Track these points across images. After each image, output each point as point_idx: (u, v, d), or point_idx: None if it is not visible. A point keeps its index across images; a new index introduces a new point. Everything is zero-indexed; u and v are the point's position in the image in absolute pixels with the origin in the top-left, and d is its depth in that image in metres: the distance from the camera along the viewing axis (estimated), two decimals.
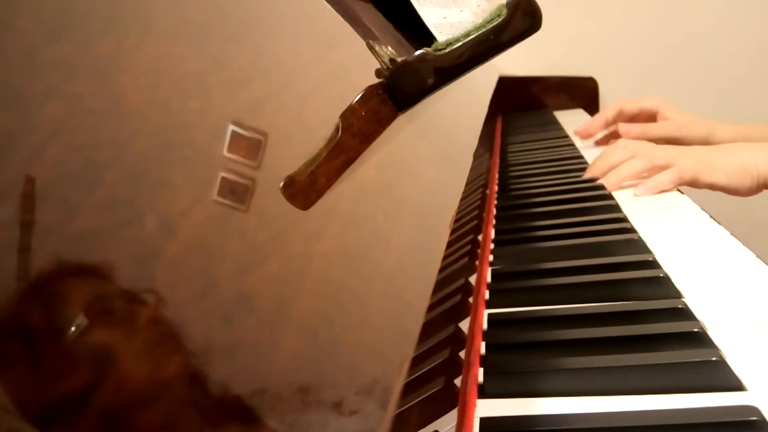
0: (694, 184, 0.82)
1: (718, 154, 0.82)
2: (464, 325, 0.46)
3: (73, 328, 0.17)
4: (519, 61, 1.59)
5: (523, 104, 1.64)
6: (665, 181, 0.81)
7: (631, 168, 0.84)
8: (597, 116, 1.17)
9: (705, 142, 1.03)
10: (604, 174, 0.85)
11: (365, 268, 0.29)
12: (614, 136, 1.13)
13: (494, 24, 0.34)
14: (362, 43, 0.39)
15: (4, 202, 0.17)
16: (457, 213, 0.47)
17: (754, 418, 0.34)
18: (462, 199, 0.51)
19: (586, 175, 0.87)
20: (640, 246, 0.60)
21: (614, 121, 1.14)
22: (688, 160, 0.82)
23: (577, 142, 1.16)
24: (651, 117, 1.12)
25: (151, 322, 0.18)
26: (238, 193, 0.23)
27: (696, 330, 0.43)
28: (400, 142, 0.38)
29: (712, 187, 0.81)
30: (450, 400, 0.37)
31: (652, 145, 0.89)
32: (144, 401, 0.17)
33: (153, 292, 0.19)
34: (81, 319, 0.17)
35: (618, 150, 0.88)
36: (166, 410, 0.17)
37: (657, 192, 0.80)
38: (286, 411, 0.19)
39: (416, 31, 0.52)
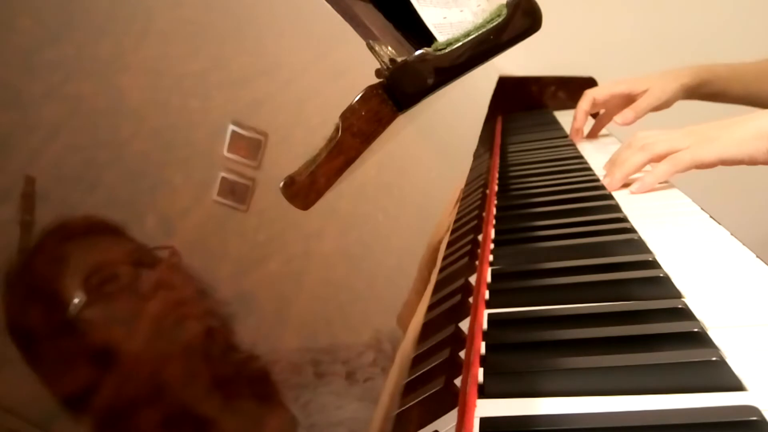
0: (700, 165, 0.77)
1: (730, 127, 0.77)
2: (464, 325, 0.46)
3: (76, 300, 0.17)
4: (519, 61, 1.59)
5: (523, 104, 1.64)
6: (658, 174, 0.78)
7: (633, 162, 0.81)
8: (577, 112, 1.20)
9: (677, 95, 1.12)
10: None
11: (365, 268, 0.29)
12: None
13: (494, 24, 0.34)
14: (362, 43, 0.39)
15: (4, 202, 0.17)
16: (457, 213, 0.47)
17: (754, 418, 0.34)
18: (462, 199, 0.51)
19: (607, 183, 0.84)
20: (640, 246, 0.60)
21: (593, 110, 1.20)
22: (687, 142, 0.78)
23: (577, 142, 1.16)
24: (626, 99, 1.16)
25: (162, 287, 0.18)
26: (238, 193, 0.23)
27: (696, 330, 0.43)
28: (400, 142, 0.38)
29: (723, 162, 0.75)
30: (450, 400, 0.37)
31: (657, 134, 0.83)
32: (154, 373, 0.17)
33: (168, 248, 0.19)
34: (83, 292, 0.17)
35: (623, 149, 0.86)
36: (177, 380, 0.17)
37: (650, 188, 0.79)
38: (288, 403, 0.19)
39: (416, 31, 0.52)
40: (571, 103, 1.63)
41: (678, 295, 0.50)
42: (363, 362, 0.22)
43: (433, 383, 0.36)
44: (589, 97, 1.19)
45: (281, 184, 0.25)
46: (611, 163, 0.87)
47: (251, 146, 0.25)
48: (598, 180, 0.87)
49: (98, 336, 0.17)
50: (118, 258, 0.18)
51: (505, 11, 0.35)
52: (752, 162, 0.76)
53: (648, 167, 0.82)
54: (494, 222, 0.75)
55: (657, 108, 1.13)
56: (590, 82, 1.63)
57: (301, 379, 0.20)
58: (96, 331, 0.17)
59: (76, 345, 0.16)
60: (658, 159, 0.80)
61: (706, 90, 1.17)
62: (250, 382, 0.19)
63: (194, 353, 0.18)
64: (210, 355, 0.18)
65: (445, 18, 0.56)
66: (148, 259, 0.19)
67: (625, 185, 0.83)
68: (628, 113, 1.12)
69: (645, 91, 1.13)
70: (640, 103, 1.12)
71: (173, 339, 0.18)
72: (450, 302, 0.46)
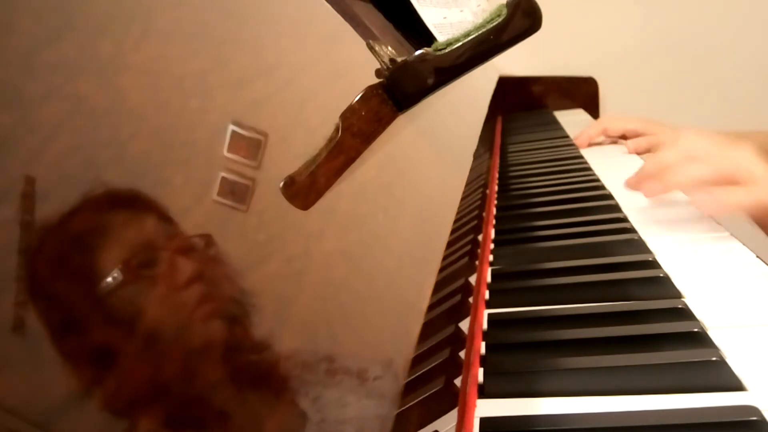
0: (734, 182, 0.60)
1: None
2: (464, 325, 0.46)
3: (111, 278, 0.17)
4: (519, 61, 1.59)
5: (523, 104, 1.64)
6: (738, 200, 0.59)
7: (691, 173, 0.64)
8: (583, 135, 1.14)
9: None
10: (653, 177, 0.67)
11: (365, 268, 0.29)
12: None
13: (494, 24, 0.34)
14: (362, 43, 0.39)
15: (4, 202, 0.17)
16: (457, 213, 0.47)
17: (754, 418, 0.34)
18: (462, 199, 0.51)
19: (648, 188, 0.69)
20: (640, 246, 0.60)
21: (599, 138, 1.13)
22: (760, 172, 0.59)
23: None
24: (635, 136, 1.09)
25: (195, 280, 0.18)
26: (238, 193, 0.23)
27: (696, 330, 0.43)
28: (400, 142, 0.38)
29: None
30: (450, 400, 0.37)
31: (714, 144, 0.66)
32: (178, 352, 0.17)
33: (206, 236, 0.19)
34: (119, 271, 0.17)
35: (669, 151, 0.68)
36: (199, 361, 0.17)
37: (724, 212, 0.61)
38: (306, 386, 0.20)
39: (416, 31, 0.52)
40: (571, 103, 1.64)
41: (678, 295, 0.50)
42: (373, 366, 0.22)
43: (433, 383, 0.36)
44: (600, 127, 1.12)
45: (281, 184, 0.25)
46: (656, 166, 0.69)
47: (251, 146, 0.25)
48: (598, 180, 0.87)
49: (125, 321, 0.17)
50: (158, 242, 0.18)
51: (505, 11, 0.35)
52: None
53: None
54: (494, 222, 0.75)
55: None
56: (590, 82, 1.64)
57: (313, 376, 0.20)
58: (125, 316, 0.17)
59: (102, 325, 0.16)
60: (723, 182, 0.63)
61: None
62: (264, 376, 0.19)
63: (217, 345, 0.18)
64: (231, 346, 0.18)
65: (445, 18, 0.56)
66: (185, 246, 0.19)
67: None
68: (642, 141, 1.01)
69: (662, 143, 0.98)
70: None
71: (200, 331, 0.18)
72: (450, 302, 0.46)
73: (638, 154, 1.03)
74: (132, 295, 0.17)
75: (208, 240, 0.19)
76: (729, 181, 0.62)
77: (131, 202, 0.18)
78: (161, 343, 0.17)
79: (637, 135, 1.08)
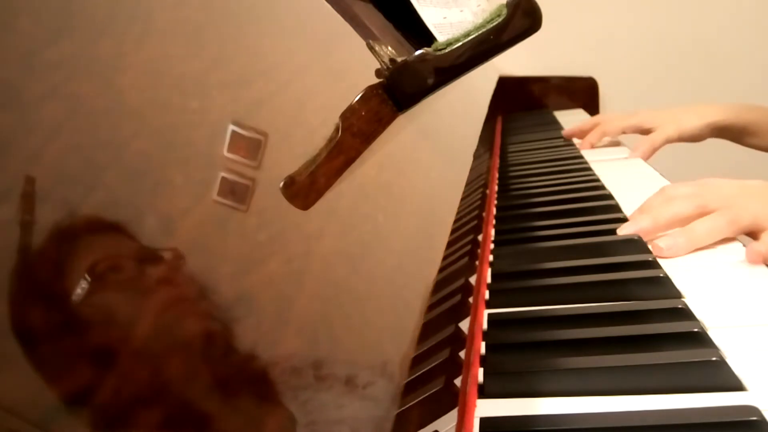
0: (755, 232, 0.60)
1: None
2: (464, 325, 0.46)
3: (80, 288, 0.17)
4: (519, 61, 1.59)
5: (523, 104, 1.64)
6: (710, 228, 0.59)
7: (674, 211, 0.63)
8: (584, 142, 1.14)
9: (700, 131, 1.04)
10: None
11: (365, 268, 0.29)
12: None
13: (494, 24, 0.34)
14: (362, 43, 0.39)
15: (4, 202, 0.17)
16: (457, 213, 0.47)
17: (754, 418, 0.34)
18: (462, 199, 0.51)
19: (632, 231, 0.63)
20: (640, 246, 0.60)
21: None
22: (753, 206, 0.60)
23: (577, 142, 1.16)
24: (637, 131, 1.10)
25: (165, 283, 0.18)
26: (238, 193, 0.23)
27: (696, 330, 0.43)
28: (400, 142, 0.38)
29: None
30: (450, 400, 0.37)
31: (706, 187, 0.65)
32: (156, 365, 0.17)
33: (172, 249, 0.19)
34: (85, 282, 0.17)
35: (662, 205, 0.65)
36: (179, 373, 0.17)
37: (698, 245, 0.60)
38: (288, 402, 0.20)
39: (416, 31, 0.52)
40: (571, 103, 1.64)
41: (678, 295, 0.50)
42: (364, 370, 0.22)
43: (433, 383, 0.36)
44: (599, 133, 1.13)
45: (281, 184, 0.25)
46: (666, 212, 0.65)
47: (251, 146, 0.25)
48: (598, 180, 0.87)
49: (100, 328, 0.17)
50: (123, 253, 0.19)
51: (505, 11, 0.35)
52: None
53: None
54: (494, 222, 0.75)
55: (680, 140, 1.04)
56: (591, 82, 1.64)
57: (301, 381, 0.20)
58: (98, 323, 0.17)
59: (79, 339, 0.16)
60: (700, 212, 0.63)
61: (741, 132, 1.05)
62: (250, 383, 0.19)
63: (194, 352, 0.18)
64: (209, 355, 0.18)
65: (445, 18, 0.56)
66: (152, 257, 0.19)
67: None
68: (645, 148, 1.03)
69: (657, 127, 1.06)
70: (656, 137, 1.04)
71: (174, 336, 0.18)
72: (450, 302, 0.46)
73: (645, 158, 1.04)
74: (104, 302, 0.17)
75: (175, 252, 0.19)
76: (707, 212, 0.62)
77: (92, 228, 0.18)
78: (138, 351, 0.17)
79: (637, 130, 1.10)
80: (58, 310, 0.16)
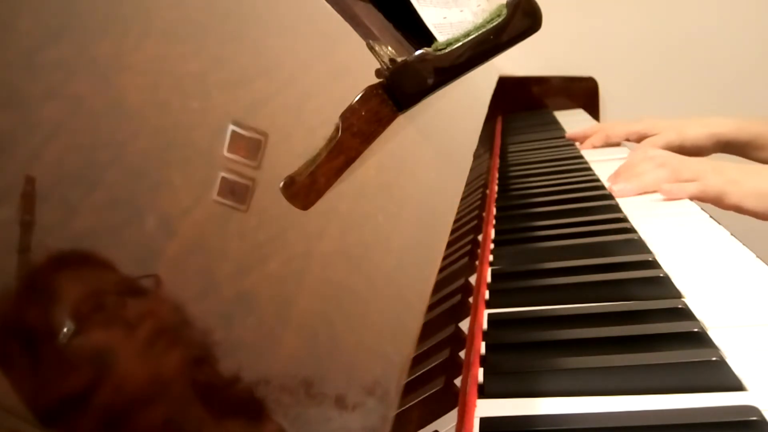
0: (718, 202, 0.76)
1: (752, 175, 0.77)
2: (464, 325, 0.46)
3: (65, 329, 0.17)
4: (519, 61, 1.59)
5: (523, 104, 1.64)
6: (685, 190, 0.76)
7: (655, 177, 0.80)
8: (586, 144, 1.14)
9: (704, 142, 1.02)
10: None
11: (365, 268, 0.29)
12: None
13: (494, 24, 0.34)
14: (362, 43, 0.39)
15: (4, 202, 0.17)
16: (457, 213, 0.47)
17: (754, 418, 0.34)
18: (462, 199, 0.51)
19: (612, 186, 0.82)
20: (640, 246, 0.60)
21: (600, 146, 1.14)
22: (716, 178, 0.76)
23: (577, 142, 1.16)
24: (641, 138, 1.09)
25: (148, 315, 0.18)
26: (238, 193, 0.23)
27: (696, 330, 0.43)
28: (400, 142, 0.38)
29: (739, 209, 0.75)
30: (450, 400, 0.37)
31: (681, 157, 0.84)
32: (144, 398, 0.17)
33: (153, 276, 0.19)
34: (72, 321, 0.17)
35: (644, 161, 0.84)
36: (168, 406, 0.17)
37: (671, 198, 0.76)
38: (288, 406, 0.19)
39: (416, 31, 0.52)
40: (571, 103, 1.64)
41: (678, 295, 0.50)
42: (350, 392, 0.22)
43: (433, 383, 0.36)
44: (602, 137, 1.13)
45: (281, 184, 0.25)
46: (626, 170, 0.85)
47: (251, 146, 0.25)
48: (598, 180, 0.87)
49: (87, 364, 0.17)
50: (104, 288, 0.18)
51: (505, 11, 0.35)
52: (765, 218, 0.74)
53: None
54: (494, 222, 0.75)
55: (682, 147, 1.03)
56: (591, 82, 1.64)
57: (292, 400, 0.20)
58: (85, 359, 0.17)
59: (65, 375, 0.16)
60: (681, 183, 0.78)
61: (747, 145, 1.04)
62: (238, 405, 0.19)
63: (179, 378, 0.18)
64: (195, 380, 0.18)
65: (445, 18, 0.56)
66: (133, 287, 0.19)
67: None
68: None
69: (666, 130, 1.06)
70: (656, 139, 1.04)
71: (159, 365, 0.18)
72: (450, 302, 0.46)
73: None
74: (89, 342, 0.17)
75: (156, 279, 0.19)
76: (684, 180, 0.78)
77: (72, 262, 0.18)
78: (125, 381, 0.17)
79: (640, 138, 1.08)
80: (42, 348, 0.16)
